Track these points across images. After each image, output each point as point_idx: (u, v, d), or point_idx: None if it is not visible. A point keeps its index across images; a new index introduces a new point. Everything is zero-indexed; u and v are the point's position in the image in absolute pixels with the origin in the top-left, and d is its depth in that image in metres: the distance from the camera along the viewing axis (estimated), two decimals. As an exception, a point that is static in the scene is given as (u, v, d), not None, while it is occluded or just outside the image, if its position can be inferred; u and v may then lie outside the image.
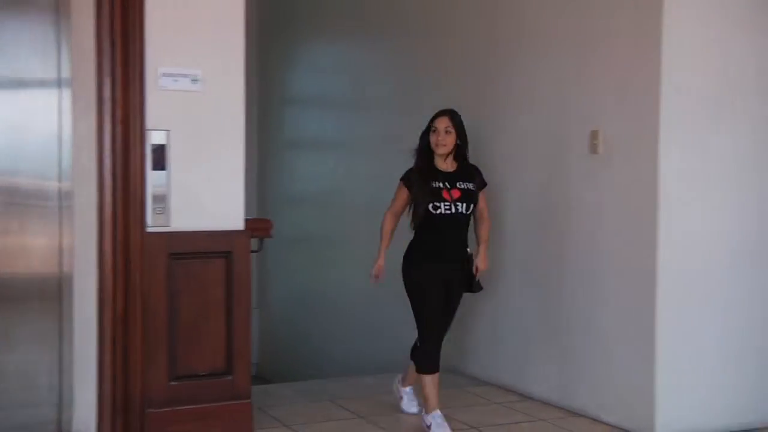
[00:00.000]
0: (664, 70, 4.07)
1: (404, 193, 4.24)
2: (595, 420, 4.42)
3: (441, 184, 4.17)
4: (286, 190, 7.77)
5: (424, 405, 4.27)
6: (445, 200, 4.14)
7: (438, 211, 4.14)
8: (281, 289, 7.84)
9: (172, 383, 3.90)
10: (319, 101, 7.40)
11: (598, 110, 4.43)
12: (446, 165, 4.24)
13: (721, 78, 4.27)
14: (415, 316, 4.25)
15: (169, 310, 3.88)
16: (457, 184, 4.19)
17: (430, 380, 4.20)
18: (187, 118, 3.89)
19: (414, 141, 4.32)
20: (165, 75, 3.83)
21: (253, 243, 4.10)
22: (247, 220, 4.06)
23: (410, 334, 4.34)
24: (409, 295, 4.26)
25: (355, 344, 6.54)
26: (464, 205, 4.19)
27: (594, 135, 4.42)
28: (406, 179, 4.24)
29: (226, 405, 3.99)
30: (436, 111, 4.27)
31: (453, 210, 4.16)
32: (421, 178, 4.19)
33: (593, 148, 4.43)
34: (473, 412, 4.60)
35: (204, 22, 3.92)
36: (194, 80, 3.89)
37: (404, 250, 4.28)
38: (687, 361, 4.19)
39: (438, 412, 4.18)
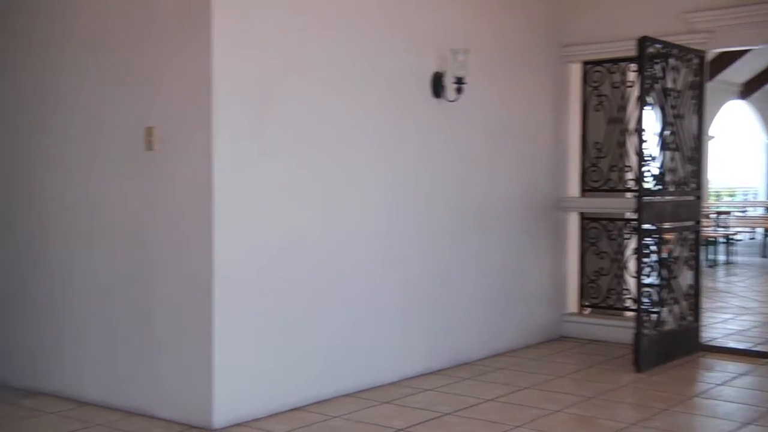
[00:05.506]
0: (215, 66, 4.13)
1: None
2: (153, 417, 4.37)
3: None
4: None
5: None
6: None
7: None
8: None
9: None
10: None
11: (153, 106, 4.39)
12: None
13: (271, 76, 4.44)
14: None
15: None
16: None
17: None
18: None
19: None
20: None
21: None
22: None
23: None
24: None
25: None
26: None
27: (149, 132, 4.40)
28: None
29: None
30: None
31: None
32: None
33: (149, 145, 4.41)
34: (23, 427, 4.29)
35: None
36: None
37: None
38: (242, 352, 4.32)
39: None
